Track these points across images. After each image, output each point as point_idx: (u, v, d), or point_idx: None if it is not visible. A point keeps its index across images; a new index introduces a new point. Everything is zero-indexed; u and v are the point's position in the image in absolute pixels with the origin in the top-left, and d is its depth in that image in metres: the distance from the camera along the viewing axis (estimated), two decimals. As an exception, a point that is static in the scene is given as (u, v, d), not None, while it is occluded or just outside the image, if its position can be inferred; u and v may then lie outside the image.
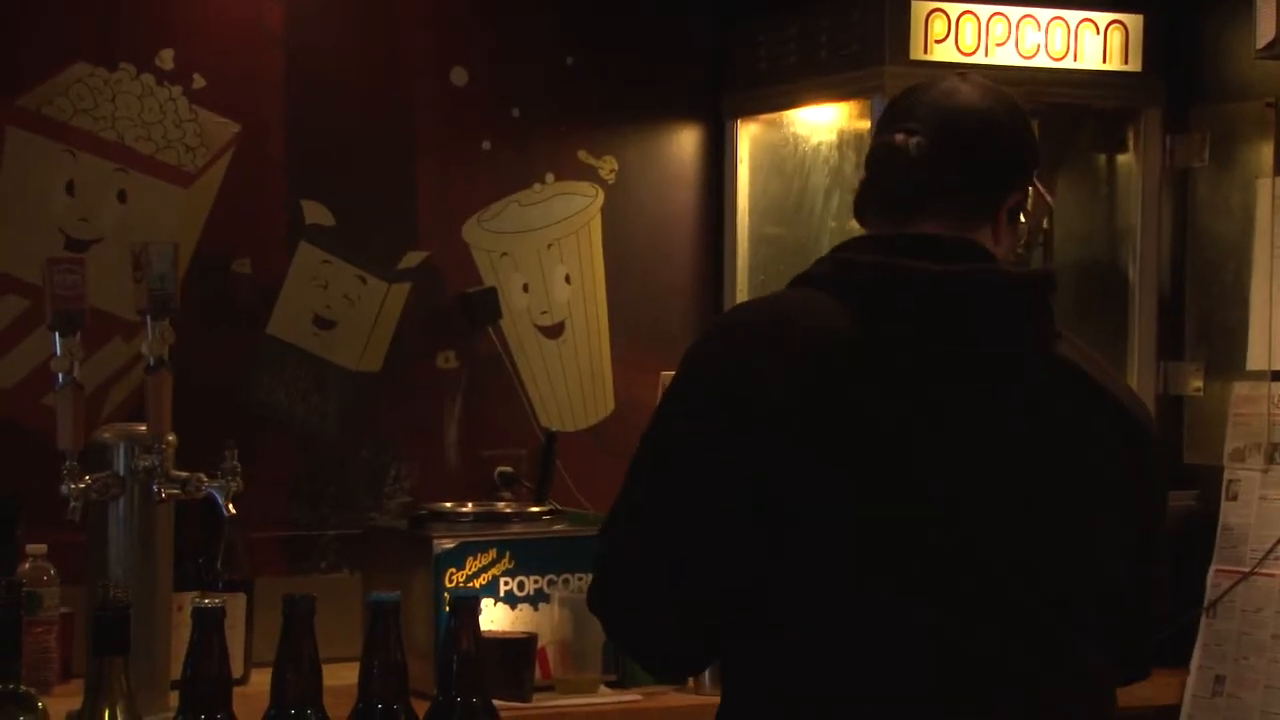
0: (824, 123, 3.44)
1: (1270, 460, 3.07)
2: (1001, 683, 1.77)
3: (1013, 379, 1.83)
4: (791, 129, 3.51)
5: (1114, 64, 3.22)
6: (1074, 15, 3.21)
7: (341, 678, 1.90)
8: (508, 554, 2.89)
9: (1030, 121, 1.96)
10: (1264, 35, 2.83)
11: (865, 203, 1.94)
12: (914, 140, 1.89)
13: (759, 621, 1.81)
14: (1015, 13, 3.18)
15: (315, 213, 3.26)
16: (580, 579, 2.92)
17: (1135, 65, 3.22)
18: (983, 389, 1.81)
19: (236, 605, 2.83)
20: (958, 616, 1.75)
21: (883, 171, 1.91)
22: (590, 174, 3.48)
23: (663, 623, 1.87)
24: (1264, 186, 3.08)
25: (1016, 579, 1.77)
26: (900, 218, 1.88)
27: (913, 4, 3.13)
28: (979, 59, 3.17)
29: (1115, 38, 3.24)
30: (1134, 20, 3.24)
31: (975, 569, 1.76)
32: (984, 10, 3.17)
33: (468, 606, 1.91)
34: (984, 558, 1.77)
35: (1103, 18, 3.23)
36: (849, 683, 1.77)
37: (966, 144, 1.89)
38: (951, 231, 1.86)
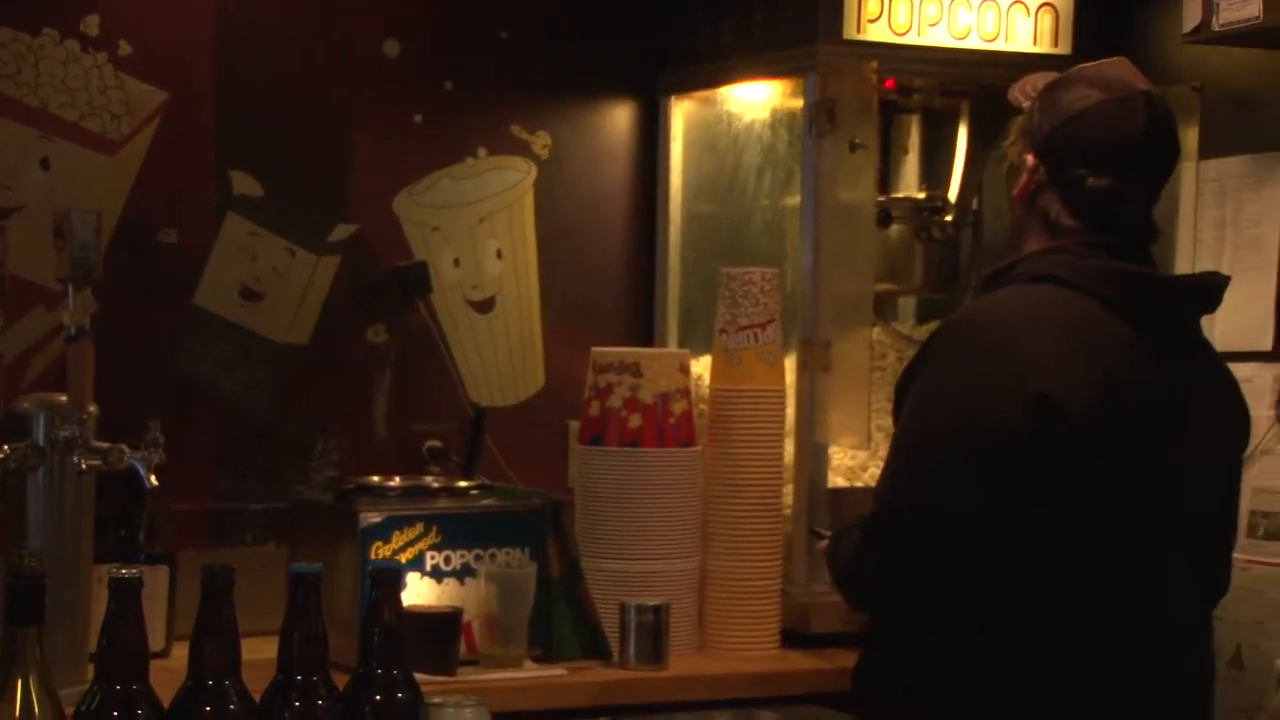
0: (758, 100, 3.44)
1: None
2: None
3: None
4: (725, 107, 3.51)
5: (1044, 46, 3.24)
6: (1005, -3, 3.23)
7: (267, 651, 1.89)
8: (434, 528, 2.88)
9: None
10: (1190, 20, 2.85)
11: None
12: None
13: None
14: (948, -7, 3.20)
15: (244, 184, 3.24)
16: (507, 553, 2.91)
17: (1065, 48, 3.24)
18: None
19: (158, 578, 2.81)
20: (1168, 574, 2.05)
21: None
22: (523, 149, 3.46)
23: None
24: (1188, 170, 3.11)
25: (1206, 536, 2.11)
26: None
27: (846, -17, 3.14)
28: (911, 39, 3.18)
29: (1046, 20, 3.26)
30: (1064, 3, 3.26)
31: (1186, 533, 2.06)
32: (917, -10, 3.18)
33: (389, 579, 1.91)
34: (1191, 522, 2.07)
35: (1034, 0, 3.24)
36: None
37: None
38: None
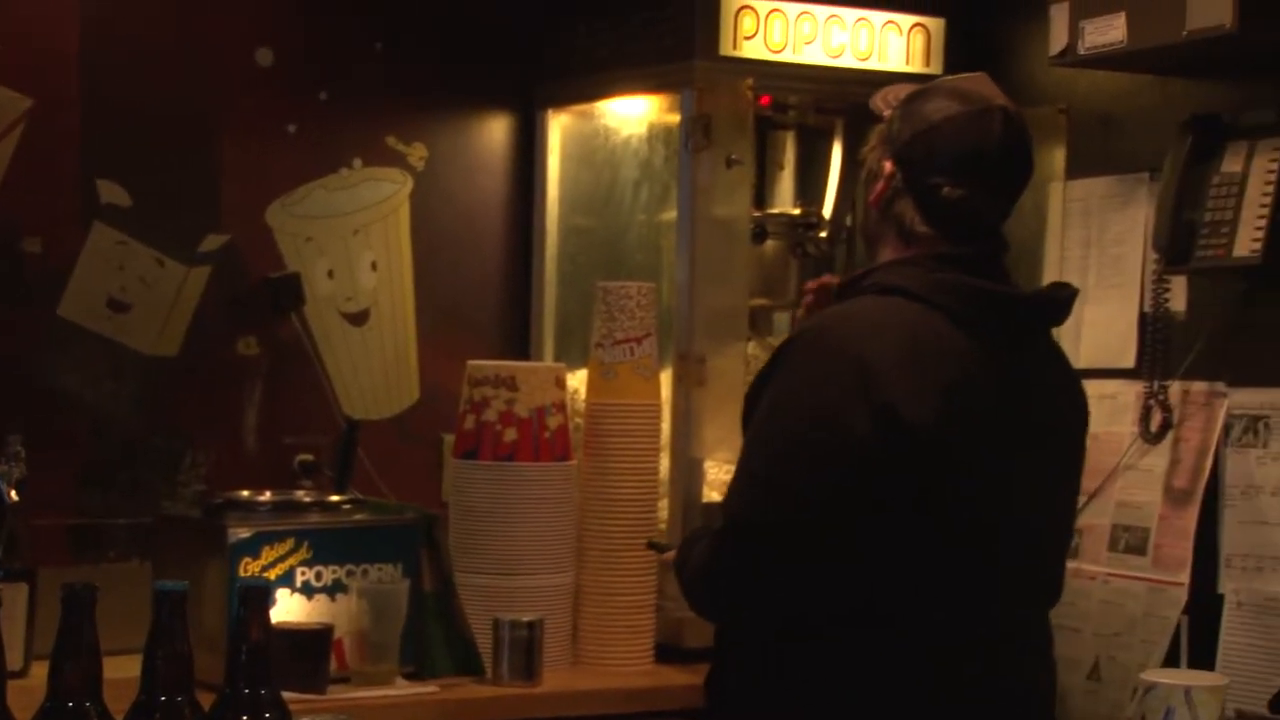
0: (635, 115, 3.45)
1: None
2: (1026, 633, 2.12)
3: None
4: (602, 120, 3.51)
5: (916, 66, 3.29)
6: (879, 17, 3.27)
7: (130, 670, 1.85)
8: (305, 543, 2.84)
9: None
10: (1057, 43, 2.90)
11: None
12: None
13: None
14: (822, 12, 3.23)
15: (111, 192, 3.18)
16: (379, 569, 2.88)
17: (936, 68, 3.29)
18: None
19: (17, 595, 2.74)
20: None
21: None
22: (399, 160, 3.44)
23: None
24: (1055, 189, 3.17)
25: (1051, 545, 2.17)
26: None
27: (723, 0, 3.16)
28: (787, 56, 3.21)
29: (918, 40, 3.30)
30: (935, 24, 3.31)
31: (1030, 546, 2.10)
32: (792, 9, 3.21)
33: (256, 596, 1.87)
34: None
35: (906, 20, 3.29)
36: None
37: None
38: None
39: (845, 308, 2.06)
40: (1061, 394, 2.15)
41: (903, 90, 2.15)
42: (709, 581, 2.08)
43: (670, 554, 2.24)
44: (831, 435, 1.94)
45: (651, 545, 2.42)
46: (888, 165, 2.07)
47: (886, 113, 2.12)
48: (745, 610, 2.09)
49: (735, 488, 2.07)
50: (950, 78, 2.16)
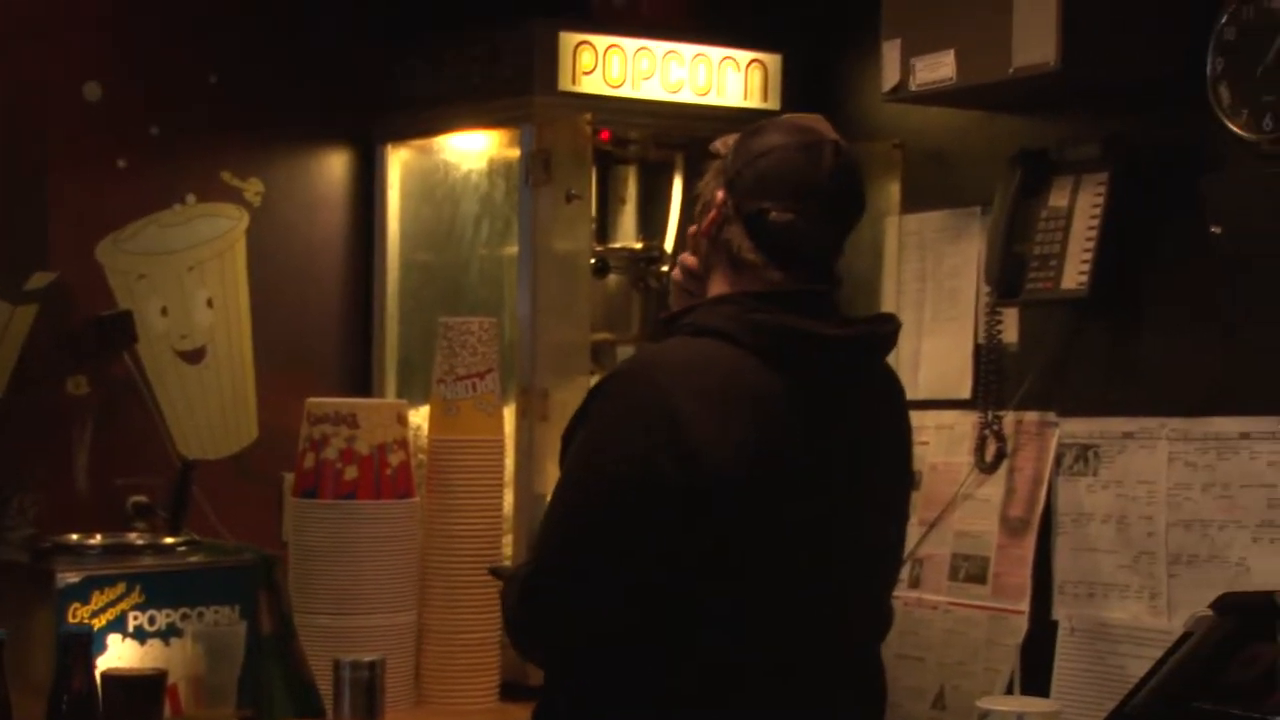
0: (475, 150, 3.44)
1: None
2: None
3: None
4: (442, 155, 3.50)
5: (754, 101, 3.32)
6: (716, 53, 3.30)
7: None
8: (137, 587, 2.78)
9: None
10: (889, 79, 2.95)
11: None
12: None
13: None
14: (660, 48, 3.25)
15: (-67, 228, 3.10)
16: (216, 611, 2.83)
17: (774, 103, 3.33)
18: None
19: None
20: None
21: None
22: (235, 195, 3.39)
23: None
24: (891, 224, 3.22)
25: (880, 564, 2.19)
26: None
27: (561, 35, 3.17)
28: (626, 92, 3.23)
29: (755, 76, 3.34)
30: (773, 60, 3.35)
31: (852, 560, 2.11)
32: (630, 45, 3.23)
33: (78, 644, 1.84)
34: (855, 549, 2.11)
35: (744, 56, 3.32)
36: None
37: None
38: None
39: (658, 349, 2.07)
40: (884, 427, 2.17)
41: (741, 132, 2.18)
42: (519, 622, 2.07)
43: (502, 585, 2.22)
44: (639, 480, 1.95)
45: (492, 571, 2.40)
46: (719, 194, 2.09)
47: (723, 150, 2.14)
48: (554, 653, 2.08)
49: (544, 531, 2.06)
50: (786, 115, 2.19)
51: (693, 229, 2.16)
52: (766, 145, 2.07)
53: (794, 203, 2.05)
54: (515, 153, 3.24)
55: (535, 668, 2.98)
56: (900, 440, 2.19)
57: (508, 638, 2.16)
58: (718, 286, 2.10)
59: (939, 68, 2.87)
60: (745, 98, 3.32)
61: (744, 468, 1.96)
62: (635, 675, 2.02)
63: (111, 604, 2.76)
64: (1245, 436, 2.66)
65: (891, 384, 2.20)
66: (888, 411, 2.18)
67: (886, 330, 2.12)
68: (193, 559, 2.91)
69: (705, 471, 1.93)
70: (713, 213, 2.09)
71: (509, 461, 3.20)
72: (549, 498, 2.09)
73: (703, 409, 1.95)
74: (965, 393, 3.11)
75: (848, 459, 2.07)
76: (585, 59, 3.19)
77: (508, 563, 3.15)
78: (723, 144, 2.17)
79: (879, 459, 2.14)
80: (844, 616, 2.09)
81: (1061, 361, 2.95)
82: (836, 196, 2.09)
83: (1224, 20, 2.68)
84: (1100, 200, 2.81)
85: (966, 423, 3.09)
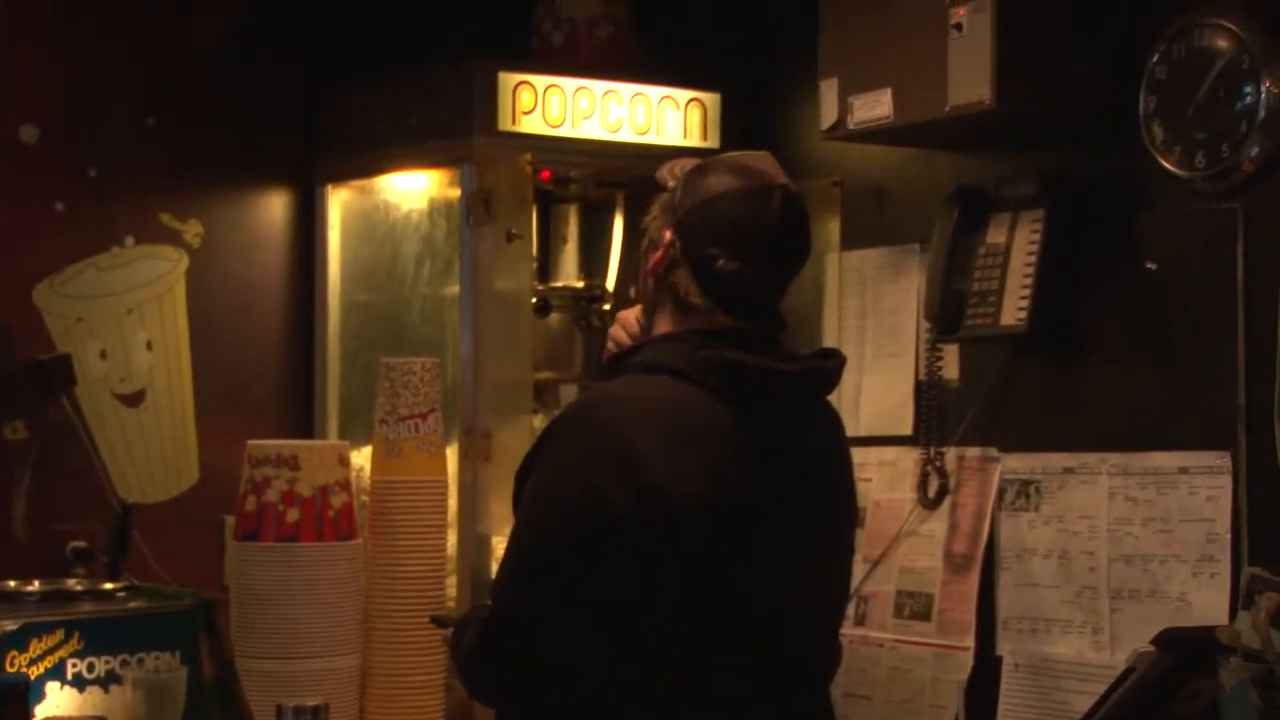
0: (416, 190, 3.44)
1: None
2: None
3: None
4: (383, 195, 3.49)
5: (694, 140, 3.34)
6: (655, 92, 3.31)
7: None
8: (76, 634, 2.74)
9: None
10: (828, 117, 2.97)
11: None
12: None
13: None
14: (600, 88, 3.26)
15: None
16: (156, 657, 2.79)
17: (714, 141, 3.34)
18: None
19: None
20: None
21: None
22: (174, 237, 3.37)
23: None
24: (832, 261, 3.24)
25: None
26: None
27: (500, 75, 3.18)
28: (566, 131, 3.23)
29: (695, 115, 3.36)
30: (712, 99, 3.36)
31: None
32: (570, 84, 3.23)
33: (16, 692, 1.81)
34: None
35: (683, 95, 3.34)
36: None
37: None
38: None
39: (610, 387, 2.06)
40: (830, 463, 2.18)
41: (689, 163, 2.18)
42: (478, 668, 2.06)
43: (449, 630, 2.21)
44: (596, 520, 1.94)
45: (434, 619, 2.39)
46: (667, 234, 2.09)
47: (670, 183, 2.14)
48: (511, 698, 2.07)
49: (503, 574, 2.05)
50: (735, 153, 2.19)
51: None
52: (716, 188, 2.07)
53: (742, 250, 2.05)
54: (456, 192, 3.24)
55: (482, 709, 2.97)
56: (845, 475, 2.20)
57: (463, 681, 2.15)
58: (664, 325, 2.10)
59: (876, 106, 2.89)
60: (685, 136, 3.33)
61: (702, 503, 1.96)
62: (593, 715, 2.01)
63: (50, 651, 2.72)
64: (1184, 471, 2.69)
65: (834, 420, 2.21)
66: (833, 447, 2.19)
67: (831, 365, 2.13)
68: (132, 604, 2.87)
69: (664, 508, 1.93)
70: (659, 253, 2.10)
71: (452, 502, 3.19)
72: (506, 541, 2.08)
73: (658, 445, 1.95)
74: (907, 429, 3.12)
75: (799, 494, 2.08)
76: (525, 99, 3.20)
77: (451, 604, 3.14)
78: (670, 174, 2.17)
79: (828, 494, 2.15)
80: (800, 652, 2.10)
81: (1002, 397, 2.97)
82: (784, 244, 2.09)
83: (1155, 59, 2.71)
84: (1037, 236, 2.84)
85: (909, 459, 3.11)
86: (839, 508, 2.19)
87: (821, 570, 2.14)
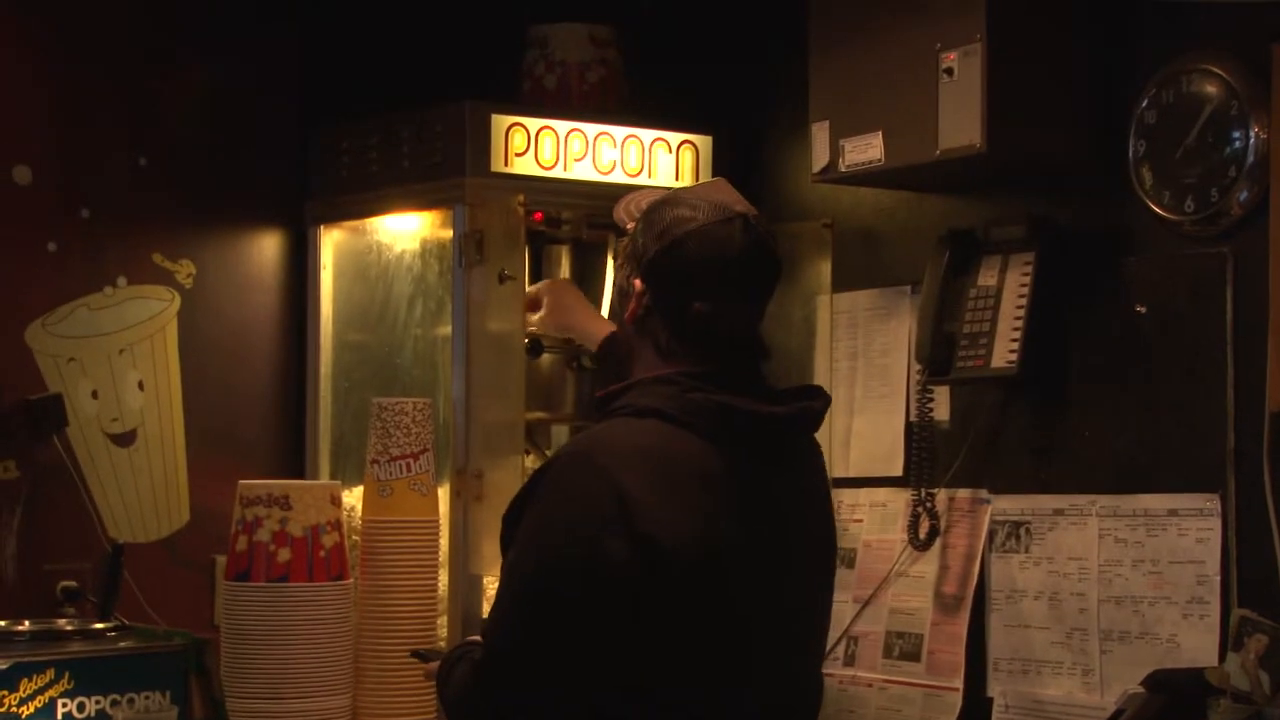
0: (407, 231, 3.45)
1: (832, 564, 3.21)
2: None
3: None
4: (375, 236, 3.50)
5: (686, 181, 3.35)
6: (648, 134, 3.33)
7: None
8: (66, 674, 2.74)
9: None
10: (819, 160, 2.99)
11: None
12: None
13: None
14: (592, 130, 3.28)
15: None
16: (146, 698, 2.79)
17: (706, 184, 3.35)
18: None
19: None
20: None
21: None
22: (166, 278, 3.38)
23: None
24: (823, 303, 3.25)
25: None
26: None
27: (493, 117, 3.19)
28: (558, 173, 3.25)
29: (687, 157, 3.37)
30: (704, 141, 3.38)
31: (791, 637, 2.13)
32: (562, 126, 3.25)
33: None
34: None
35: (675, 137, 3.36)
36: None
37: None
38: None
39: (602, 433, 2.07)
40: (814, 502, 2.19)
41: (644, 199, 2.18)
42: (469, 707, 2.07)
43: (434, 664, 2.21)
44: (592, 565, 1.95)
45: (415, 654, 2.39)
46: (637, 284, 2.09)
47: (630, 225, 2.15)
48: None
49: (496, 617, 2.05)
50: (690, 186, 2.20)
51: None
52: (678, 230, 2.07)
53: (713, 289, 2.06)
54: (448, 233, 3.25)
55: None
56: (827, 512, 2.22)
57: (450, 717, 2.15)
58: (647, 367, 2.11)
59: (867, 149, 2.91)
60: (677, 178, 3.35)
61: (696, 547, 1.97)
62: None
63: (40, 691, 2.72)
64: (1173, 513, 2.70)
65: (816, 456, 2.22)
66: (816, 484, 2.21)
67: (818, 406, 2.14)
68: (123, 644, 2.87)
69: (658, 553, 1.94)
70: (632, 304, 2.10)
71: (444, 542, 3.19)
72: (498, 582, 2.08)
73: (651, 491, 1.96)
74: (897, 470, 3.13)
75: (786, 533, 2.09)
76: (517, 140, 3.21)
77: (442, 644, 3.13)
78: (626, 214, 2.18)
79: (813, 531, 2.16)
80: (792, 688, 2.10)
81: (993, 439, 2.98)
82: (753, 273, 2.10)
83: (1145, 104, 2.74)
84: (1028, 280, 2.85)
85: (899, 500, 3.11)
86: (824, 546, 2.20)
87: (809, 610, 2.15)
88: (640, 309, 2.09)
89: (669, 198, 2.14)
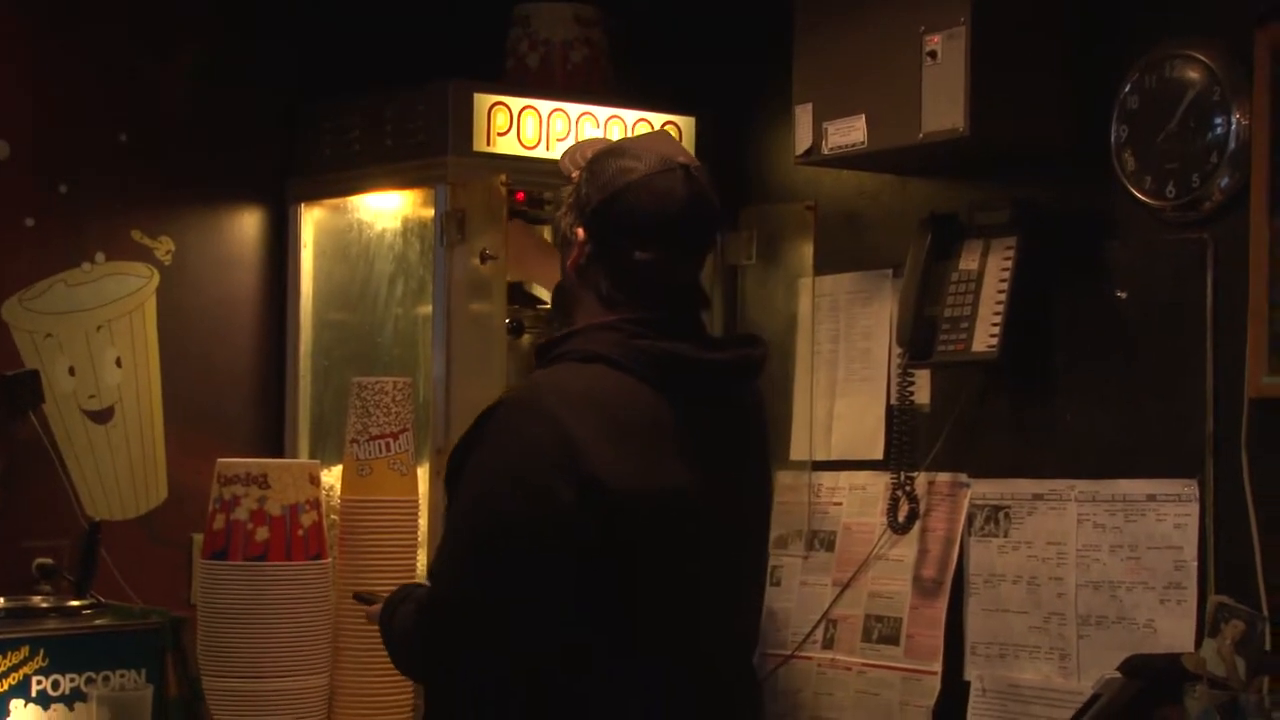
0: (389, 209, 3.44)
1: (810, 547, 3.22)
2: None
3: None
4: (356, 215, 3.48)
5: (667, 162, 3.33)
6: (631, 115, 3.32)
7: None
8: (41, 651, 2.74)
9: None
10: (802, 142, 2.98)
11: None
12: None
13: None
14: (575, 110, 3.27)
15: None
16: (121, 675, 2.78)
17: (689, 165, 3.34)
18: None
19: None
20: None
21: None
22: (145, 254, 3.36)
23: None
24: (805, 285, 3.24)
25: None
26: None
27: (476, 96, 3.18)
28: (540, 153, 3.24)
29: (670, 138, 3.36)
30: (687, 122, 3.37)
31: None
32: (545, 106, 3.24)
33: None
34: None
35: (658, 119, 3.34)
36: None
37: None
38: None
39: (550, 377, 2.07)
40: (754, 448, 2.21)
41: (589, 148, 2.19)
42: (413, 648, 2.07)
43: (376, 607, 2.20)
44: (539, 508, 1.96)
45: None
46: (580, 232, 2.11)
47: (574, 174, 2.15)
48: (448, 678, 2.07)
49: (441, 560, 2.05)
50: (635, 137, 2.20)
51: None
52: (620, 180, 2.08)
53: (654, 239, 2.08)
54: (430, 212, 3.23)
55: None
56: (767, 459, 2.24)
57: (393, 658, 2.15)
58: (589, 314, 2.12)
59: (850, 132, 2.90)
60: (660, 159, 3.33)
61: (644, 491, 1.98)
62: (529, 703, 2.01)
63: (14, 668, 2.71)
64: (1152, 499, 2.70)
65: (759, 406, 2.24)
66: (757, 434, 2.22)
67: (757, 354, 2.17)
68: (98, 622, 2.87)
69: (606, 497, 1.95)
70: (574, 251, 2.12)
71: (423, 522, 3.18)
72: (445, 525, 2.08)
73: (599, 435, 1.97)
74: (878, 453, 3.13)
75: (729, 479, 2.11)
76: (500, 120, 3.20)
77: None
78: (571, 163, 2.19)
79: (753, 479, 2.19)
80: (734, 634, 2.13)
81: (973, 423, 2.98)
82: (694, 224, 2.12)
83: (1127, 89, 2.74)
84: (1009, 264, 2.85)
85: (879, 483, 3.11)
86: (761, 497, 2.23)
87: (752, 554, 2.18)
88: (582, 257, 2.10)
89: (613, 148, 2.15)
